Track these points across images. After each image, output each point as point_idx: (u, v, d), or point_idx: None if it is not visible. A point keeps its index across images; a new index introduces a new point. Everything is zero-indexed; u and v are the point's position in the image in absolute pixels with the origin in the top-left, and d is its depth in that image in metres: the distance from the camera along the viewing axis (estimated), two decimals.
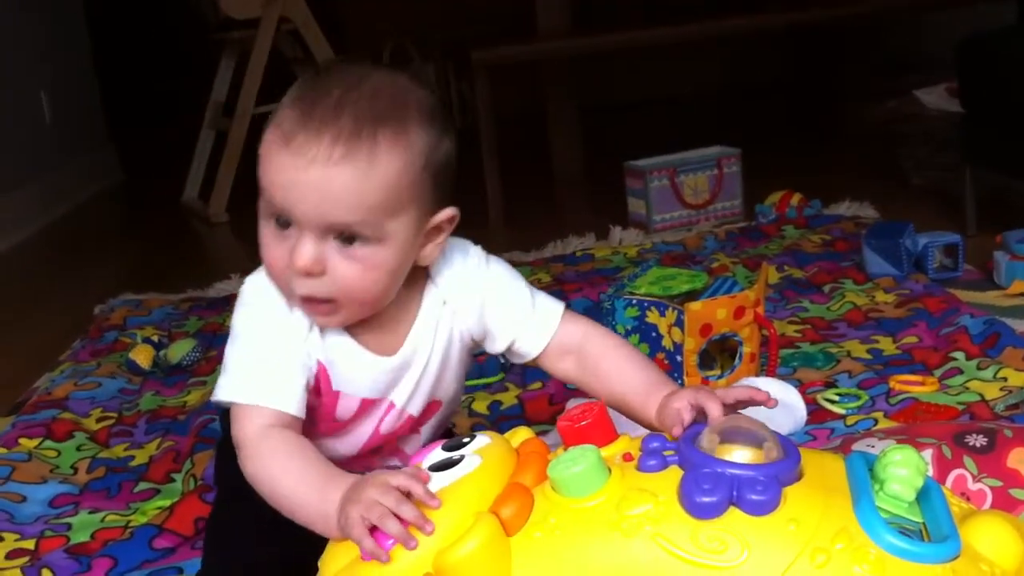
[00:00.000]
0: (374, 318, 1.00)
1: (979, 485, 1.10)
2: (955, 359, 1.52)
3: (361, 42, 4.55)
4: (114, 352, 1.98)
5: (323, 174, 0.88)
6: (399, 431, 1.07)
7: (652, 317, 1.49)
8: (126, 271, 2.76)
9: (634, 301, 1.52)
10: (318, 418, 1.02)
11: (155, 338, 1.96)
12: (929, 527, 0.78)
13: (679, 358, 1.47)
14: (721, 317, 1.46)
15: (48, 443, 1.54)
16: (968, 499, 1.07)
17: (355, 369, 1.00)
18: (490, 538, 0.80)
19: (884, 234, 1.98)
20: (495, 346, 1.07)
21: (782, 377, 1.49)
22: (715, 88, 4.69)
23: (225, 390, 0.98)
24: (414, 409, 1.05)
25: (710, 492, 0.77)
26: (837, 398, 1.45)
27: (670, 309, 1.48)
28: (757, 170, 2.68)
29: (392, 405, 1.04)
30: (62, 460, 1.51)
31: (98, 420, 1.66)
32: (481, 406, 1.56)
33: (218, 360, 1.88)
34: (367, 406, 1.03)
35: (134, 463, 1.51)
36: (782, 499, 0.78)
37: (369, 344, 1.00)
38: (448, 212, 0.98)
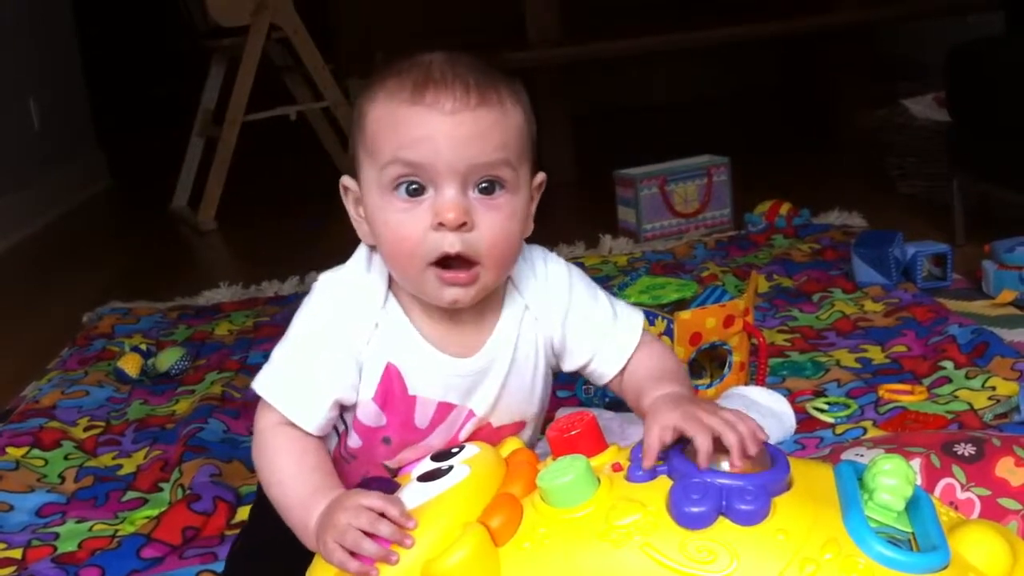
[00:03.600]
0: (454, 319, 0.98)
1: (968, 494, 1.10)
2: (944, 368, 1.52)
3: (352, 51, 4.55)
4: (102, 360, 1.97)
5: (467, 118, 0.90)
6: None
7: None
8: (115, 279, 2.74)
9: None
10: (398, 428, 1.00)
11: (143, 346, 1.95)
12: (918, 537, 0.78)
13: None
14: (710, 326, 1.46)
15: (35, 452, 1.53)
16: (957, 508, 1.08)
17: (429, 371, 0.98)
18: (479, 548, 0.80)
19: (873, 243, 1.98)
20: (571, 363, 1.05)
21: (771, 386, 1.49)
22: (705, 96, 4.70)
23: (260, 382, 0.98)
24: (496, 421, 1.02)
25: (699, 502, 0.78)
26: (826, 407, 1.45)
27: (660, 318, 1.48)
28: (746, 179, 2.68)
29: (471, 413, 1.01)
30: (49, 469, 1.50)
31: (86, 429, 1.65)
32: None
33: (207, 369, 1.89)
34: (444, 411, 1.00)
35: (122, 472, 1.50)
36: (771, 509, 0.78)
37: (446, 346, 0.98)
38: (541, 175, 1.00)
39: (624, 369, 1.05)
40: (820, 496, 0.81)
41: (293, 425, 0.96)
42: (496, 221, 0.92)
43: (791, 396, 1.47)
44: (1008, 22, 2.38)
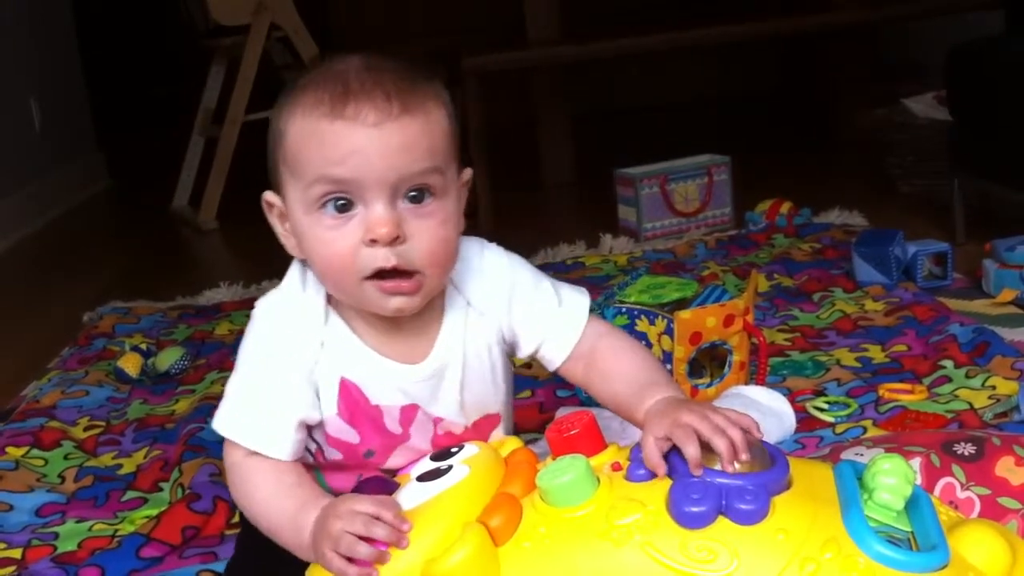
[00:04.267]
0: (397, 326, 0.97)
1: (967, 493, 1.10)
2: (944, 367, 1.52)
3: (351, 49, 4.54)
4: (102, 360, 1.97)
5: (391, 129, 0.88)
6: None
7: (642, 326, 1.49)
8: (115, 279, 2.74)
9: (624, 309, 1.52)
10: (375, 437, 0.99)
11: (143, 346, 1.95)
12: (918, 536, 0.78)
13: (669, 367, 1.47)
14: (711, 325, 1.46)
15: (35, 452, 1.53)
16: (956, 508, 1.07)
17: (383, 380, 0.97)
18: (478, 548, 0.80)
19: (873, 242, 1.98)
20: (522, 351, 1.04)
21: (771, 385, 1.49)
22: (705, 96, 4.70)
23: (219, 420, 0.98)
24: (469, 420, 1.02)
25: (699, 502, 0.78)
26: (826, 406, 1.45)
27: (660, 318, 1.48)
28: (747, 178, 2.68)
29: (439, 419, 1.00)
30: (49, 469, 1.50)
31: (86, 429, 1.65)
32: None
33: (207, 368, 1.89)
34: (411, 413, 0.99)
35: (122, 472, 1.50)
36: (771, 508, 0.78)
37: (394, 354, 0.97)
38: (468, 172, 0.98)
39: (584, 359, 1.03)
40: (820, 495, 0.81)
41: (263, 455, 0.95)
42: (429, 229, 0.90)
43: (791, 395, 1.47)
44: (1008, 21, 2.37)
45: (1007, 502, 1.09)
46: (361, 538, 0.82)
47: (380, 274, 0.90)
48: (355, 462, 1.01)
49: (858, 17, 3.11)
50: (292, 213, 0.93)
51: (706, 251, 2.35)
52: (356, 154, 0.87)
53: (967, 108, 2.17)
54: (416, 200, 0.90)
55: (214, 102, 3.48)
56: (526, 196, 3.19)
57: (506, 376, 1.05)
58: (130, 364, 1.87)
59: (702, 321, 1.46)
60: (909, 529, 0.79)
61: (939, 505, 0.84)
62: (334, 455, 1.01)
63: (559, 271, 2.29)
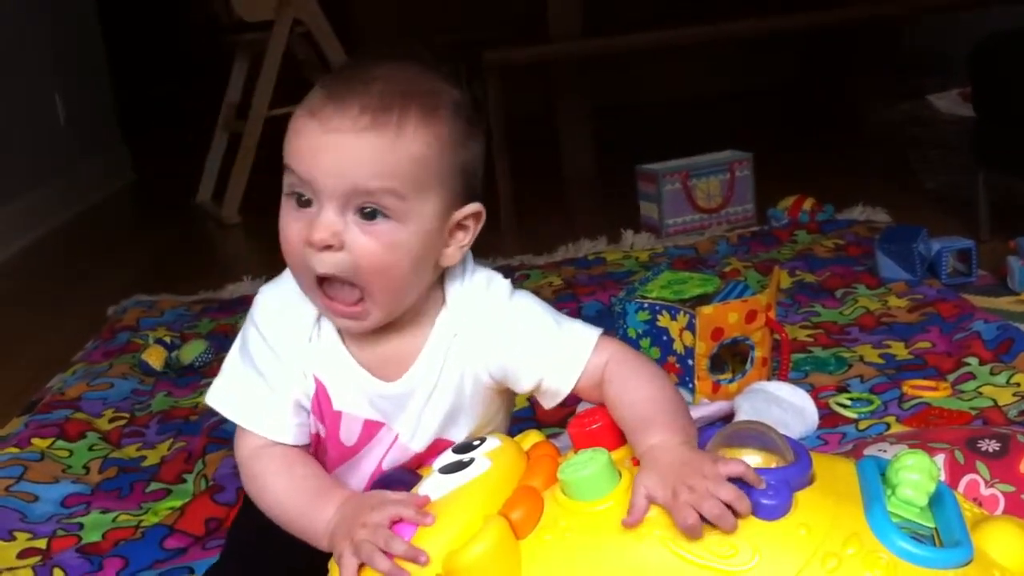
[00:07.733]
0: (380, 339, 0.96)
1: (991, 490, 1.09)
2: (968, 364, 1.51)
3: (374, 44, 4.56)
4: (126, 353, 1.98)
5: (349, 140, 0.87)
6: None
7: (663, 321, 1.49)
8: (139, 272, 2.77)
9: (645, 305, 1.52)
10: (328, 443, 1.00)
11: (167, 339, 1.96)
12: (941, 532, 0.78)
13: (690, 362, 1.47)
14: (733, 321, 1.46)
15: (60, 443, 1.55)
16: (980, 504, 1.07)
17: (352, 388, 0.97)
18: (500, 541, 0.80)
19: (897, 239, 1.97)
20: (521, 386, 0.99)
21: (794, 381, 1.49)
22: (727, 90, 4.69)
23: (215, 397, 0.99)
24: (418, 445, 0.99)
25: None
26: (849, 403, 1.44)
27: (682, 313, 1.47)
28: (769, 174, 2.67)
29: (396, 437, 0.99)
30: (74, 460, 1.51)
31: (110, 420, 1.67)
32: None
33: None
34: (371, 430, 0.99)
35: (146, 463, 1.51)
36: (793, 504, 0.78)
37: (373, 366, 0.97)
38: (474, 207, 0.94)
39: (598, 388, 0.97)
40: (842, 491, 0.80)
41: (272, 444, 0.96)
42: (368, 246, 0.89)
43: (814, 392, 1.46)
44: None
45: None
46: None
47: (327, 284, 0.91)
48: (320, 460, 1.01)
49: (882, 10, 3.09)
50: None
51: (728, 247, 2.34)
52: (313, 153, 0.88)
53: (992, 103, 2.16)
54: (368, 216, 0.89)
55: (238, 97, 3.49)
56: (547, 191, 3.19)
57: (484, 413, 1.02)
58: (154, 357, 1.88)
59: (724, 317, 1.45)
60: (932, 525, 0.79)
61: (963, 501, 0.84)
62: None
63: (580, 266, 2.29)
